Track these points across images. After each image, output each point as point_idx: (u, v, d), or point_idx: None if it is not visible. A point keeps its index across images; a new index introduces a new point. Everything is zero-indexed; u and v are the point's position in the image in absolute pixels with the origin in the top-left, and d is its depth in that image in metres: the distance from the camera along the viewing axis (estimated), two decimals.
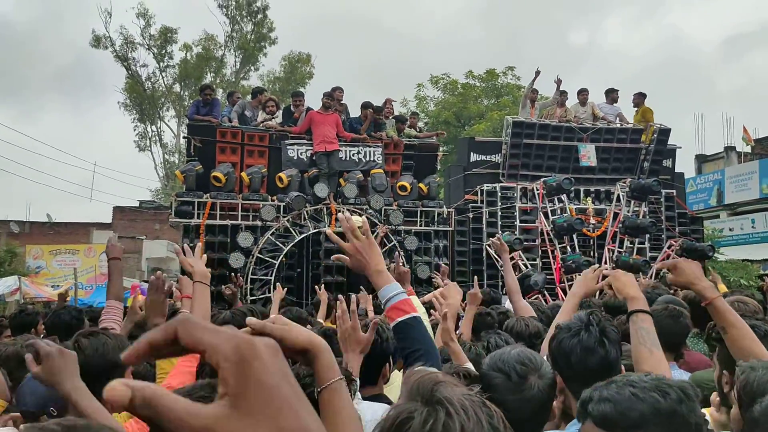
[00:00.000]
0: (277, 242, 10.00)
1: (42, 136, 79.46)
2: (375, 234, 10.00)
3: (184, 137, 12.59)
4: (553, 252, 11.62)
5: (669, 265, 2.59)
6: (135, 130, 36.90)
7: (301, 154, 10.79)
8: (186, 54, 36.38)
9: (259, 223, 10.14)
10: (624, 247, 11.89)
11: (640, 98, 13.24)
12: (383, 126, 11.52)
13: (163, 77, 36.54)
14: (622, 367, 2.00)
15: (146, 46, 35.97)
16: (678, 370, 3.04)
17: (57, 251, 24.91)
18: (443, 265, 7.44)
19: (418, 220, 11.07)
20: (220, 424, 0.53)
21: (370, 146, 11.11)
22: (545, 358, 2.01)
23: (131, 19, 40.20)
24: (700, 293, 2.44)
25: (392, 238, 10.50)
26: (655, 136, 12.68)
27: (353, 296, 6.31)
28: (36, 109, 62.33)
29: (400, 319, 1.97)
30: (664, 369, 2.03)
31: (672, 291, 5.01)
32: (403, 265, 3.99)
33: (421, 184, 11.24)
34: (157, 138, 36.92)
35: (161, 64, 36.21)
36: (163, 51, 36.09)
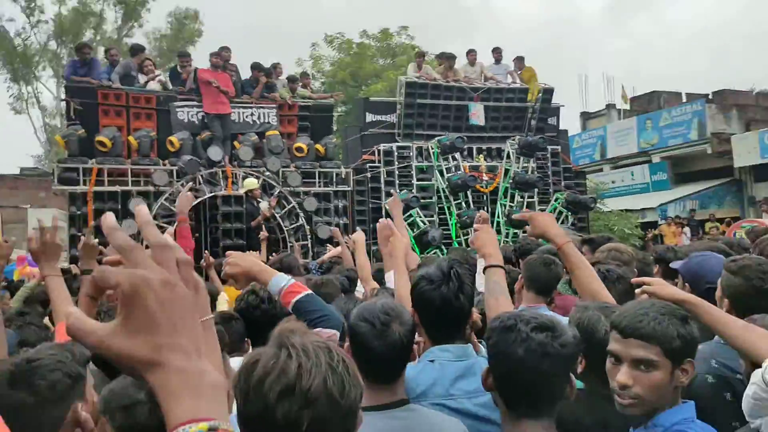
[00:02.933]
0: (172, 208, 9.69)
1: None
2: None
3: (62, 100, 11.80)
4: (449, 208, 12.02)
5: (525, 217, 2.80)
6: (8, 91, 34.02)
7: (191, 116, 10.44)
8: (59, 8, 33.68)
9: (151, 188, 9.78)
10: (515, 202, 12.49)
11: (520, 62, 13.80)
12: (274, 87, 11.34)
13: (35, 34, 33.73)
14: (474, 312, 2.25)
15: None
16: (549, 312, 3.30)
17: None
18: (333, 227, 7.63)
19: (317, 181, 11.08)
20: (110, 338, 0.73)
21: (263, 107, 10.93)
22: None
23: None
24: (552, 240, 2.65)
25: (291, 200, 10.46)
26: (540, 95, 13.26)
27: (250, 253, 6.45)
28: None
29: (295, 299, 2.20)
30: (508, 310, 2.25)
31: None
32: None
33: (318, 145, 11.22)
34: (35, 100, 34.28)
35: (31, 18, 33.36)
36: (32, 4, 33.19)
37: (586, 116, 30.23)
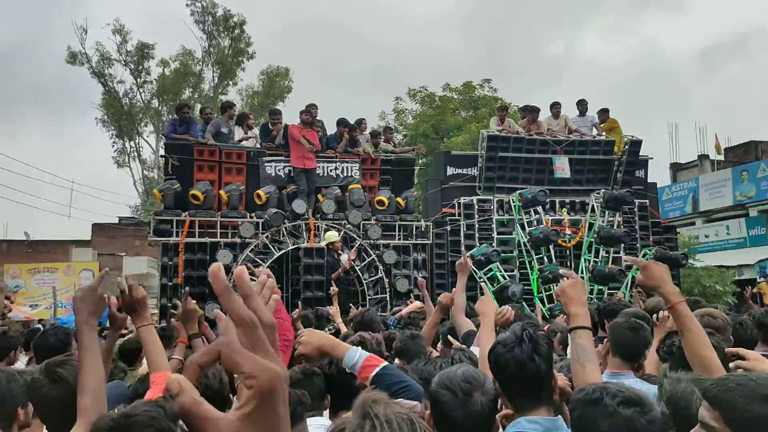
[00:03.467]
0: (256, 259, 10.04)
1: (21, 155, 78.63)
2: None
3: (161, 156, 12.61)
4: (530, 263, 11.80)
5: (640, 264, 2.68)
6: (113, 146, 36.74)
7: (278, 170, 10.88)
8: (163, 69, 36.35)
9: (238, 240, 10.18)
10: (599, 257, 12.11)
11: (604, 114, 13.57)
12: (358, 142, 11.67)
13: (140, 93, 36.45)
14: (560, 377, 2.14)
15: (123, 62, 35.87)
16: (634, 378, 3.15)
17: (36, 270, 24.66)
18: (420, 278, 7.59)
19: (397, 233, 11.19)
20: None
21: (347, 162, 11.24)
22: None
23: (107, 35, 39.71)
24: (665, 296, 2.54)
25: (371, 252, 10.59)
26: (627, 147, 12.97)
27: (327, 308, 6.61)
28: (16, 127, 61.65)
29: (373, 374, 2.17)
30: (595, 380, 2.16)
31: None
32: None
33: (398, 198, 11.37)
34: (136, 154, 36.78)
35: (138, 80, 36.10)
36: (140, 67, 35.99)
37: (676, 167, 29.15)
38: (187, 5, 36.70)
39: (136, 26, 71.56)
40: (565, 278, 2.53)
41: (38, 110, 63.49)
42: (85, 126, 77.62)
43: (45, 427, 2.43)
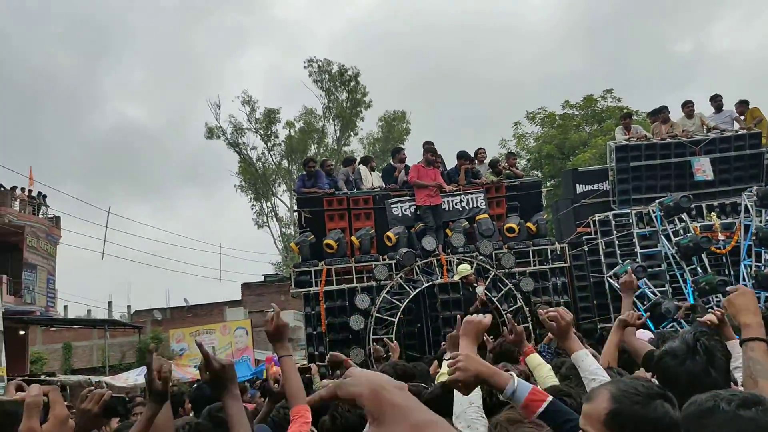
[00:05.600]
0: (393, 300, 10.15)
1: (176, 228, 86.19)
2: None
3: (294, 211, 13.25)
4: (682, 275, 10.95)
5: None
6: (252, 208, 39.23)
7: (405, 210, 11.03)
8: (290, 130, 38.55)
9: (373, 283, 10.36)
10: (762, 261, 10.99)
11: (742, 106, 12.49)
12: (479, 173, 11.59)
13: (271, 155, 38.83)
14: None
15: (253, 130, 38.48)
16: None
17: (196, 332, 26.50)
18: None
19: (531, 260, 10.86)
20: None
21: (471, 193, 11.17)
22: None
23: (237, 107, 42.79)
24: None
25: (507, 282, 10.34)
26: None
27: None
28: (170, 202, 67.99)
29: (541, 410, 2.01)
30: None
31: None
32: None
33: (528, 224, 11.08)
34: (273, 213, 38.98)
35: (268, 143, 38.52)
36: (269, 131, 38.44)
37: None
38: (304, 67, 38.88)
39: (262, 95, 77.00)
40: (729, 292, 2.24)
41: (186, 184, 69.65)
42: (227, 193, 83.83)
43: None
